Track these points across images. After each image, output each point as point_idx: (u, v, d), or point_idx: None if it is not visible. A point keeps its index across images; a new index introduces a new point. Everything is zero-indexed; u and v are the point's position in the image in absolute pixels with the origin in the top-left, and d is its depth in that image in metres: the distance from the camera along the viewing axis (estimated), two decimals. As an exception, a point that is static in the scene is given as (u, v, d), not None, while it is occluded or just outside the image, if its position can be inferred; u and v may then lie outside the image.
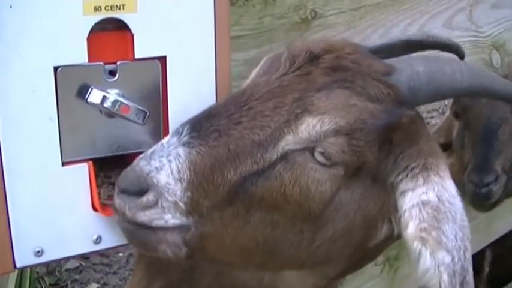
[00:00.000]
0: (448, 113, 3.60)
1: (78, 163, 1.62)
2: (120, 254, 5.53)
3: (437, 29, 2.76)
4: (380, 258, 2.65)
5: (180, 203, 1.47)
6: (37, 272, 5.10)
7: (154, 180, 1.46)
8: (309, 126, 1.50)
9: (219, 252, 1.57)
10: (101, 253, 5.45)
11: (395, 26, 2.58)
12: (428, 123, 7.69)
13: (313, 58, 1.59)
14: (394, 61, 1.65)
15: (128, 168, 1.50)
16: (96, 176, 1.64)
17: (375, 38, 2.48)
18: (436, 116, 8.01)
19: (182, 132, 1.51)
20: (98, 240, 1.68)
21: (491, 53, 3.08)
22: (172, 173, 1.47)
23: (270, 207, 1.52)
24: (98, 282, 5.27)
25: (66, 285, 5.21)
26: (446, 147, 3.22)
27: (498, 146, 2.82)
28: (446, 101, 8.03)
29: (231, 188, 1.49)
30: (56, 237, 1.62)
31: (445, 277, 1.47)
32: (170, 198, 1.47)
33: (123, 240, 1.65)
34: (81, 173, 1.62)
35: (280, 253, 1.58)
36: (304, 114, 1.51)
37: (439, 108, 8.17)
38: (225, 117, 1.52)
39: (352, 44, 1.69)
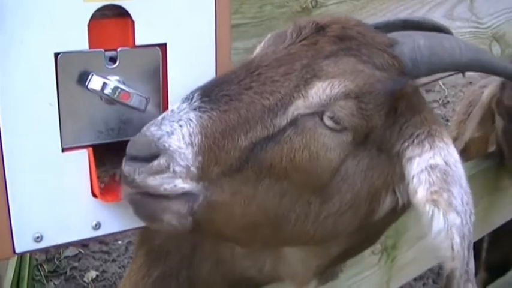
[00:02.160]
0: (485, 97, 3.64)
1: (78, 149, 1.61)
2: (119, 242, 5.54)
3: (437, 20, 2.73)
4: (378, 247, 2.64)
5: (192, 168, 1.48)
6: (36, 260, 5.11)
7: (166, 145, 1.46)
8: (319, 90, 1.53)
9: (225, 224, 1.58)
10: (100, 241, 5.47)
11: (395, 16, 2.57)
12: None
13: (320, 28, 1.63)
14: (396, 35, 1.70)
15: (138, 135, 1.51)
16: (96, 163, 1.64)
17: None
18: (436, 107, 8.02)
19: (193, 98, 1.53)
20: (97, 226, 1.67)
21: (491, 44, 3.08)
22: (183, 137, 1.47)
23: (279, 174, 1.53)
24: (96, 270, 5.29)
25: (65, 272, 5.22)
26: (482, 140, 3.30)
27: None
28: (446, 92, 8.10)
29: (241, 154, 1.51)
30: (55, 223, 1.62)
31: (457, 238, 1.50)
32: (182, 163, 1.47)
33: (122, 227, 1.68)
34: (81, 159, 1.62)
35: (287, 226, 1.60)
36: (314, 79, 1.54)
37: (440, 99, 8.19)
38: (235, 83, 1.54)
39: (356, 18, 1.73)
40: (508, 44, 3.15)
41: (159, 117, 1.51)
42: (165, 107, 1.69)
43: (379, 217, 1.69)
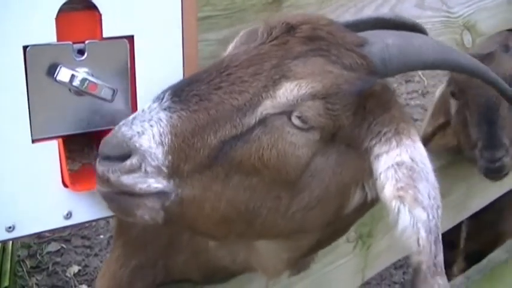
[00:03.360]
0: (438, 93, 3.69)
1: (48, 140, 1.63)
2: (101, 236, 5.55)
3: (408, 10, 2.76)
4: (353, 235, 2.66)
5: (162, 167, 1.50)
6: (18, 256, 5.11)
7: (137, 144, 1.49)
8: (287, 91, 1.55)
9: (197, 218, 1.60)
10: (83, 236, 5.47)
11: (366, 6, 2.58)
12: (407, 104, 7.77)
13: (290, 28, 1.64)
14: (366, 34, 1.71)
15: (109, 135, 1.52)
16: (66, 151, 1.66)
17: (346, 18, 2.46)
18: (415, 97, 8.06)
19: (163, 98, 1.54)
20: (69, 215, 1.69)
21: (462, 33, 3.09)
22: (154, 137, 1.49)
23: (248, 171, 1.56)
24: (79, 265, 5.30)
25: (48, 267, 5.23)
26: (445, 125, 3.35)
27: (501, 122, 3.03)
28: (426, 83, 8.14)
29: (210, 152, 1.53)
30: (27, 213, 1.64)
31: (423, 233, 1.52)
32: (153, 162, 1.49)
33: (94, 215, 1.70)
34: (51, 149, 1.64)
35: (258, 220, 1.62)
36: (282, 79, 1.56)
37: (419, 89, 8.22)
38: (205, 82, 1.56)
39: (327, 18, 1.74)
40: (479, 33, 3.16)
41: (130, 117, 1.53)
42: (133, 98, 1.71)
43: (349, 211, 1.71)
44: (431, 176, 1.59)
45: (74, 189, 1.66)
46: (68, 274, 5.18)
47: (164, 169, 1.51)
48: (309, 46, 1.61)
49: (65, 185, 1.67)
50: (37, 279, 5.12)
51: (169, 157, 1.50)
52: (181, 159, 1.51)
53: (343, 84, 1.57)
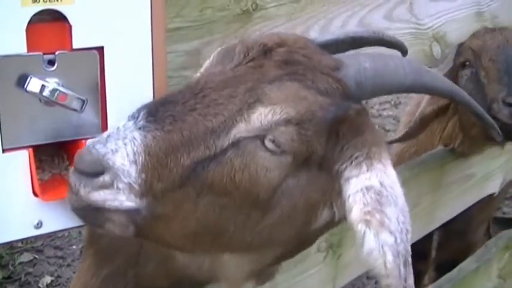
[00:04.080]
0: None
1: (18, 150, 1.64)
2: (74, 247, 5.52)
3: (377, 21, 2.77)
4: (323, 245, 2.66)
5: (134, 185, 1.51)
6: (-10, 266, 5.09)
7: (110, 162, 1.49)
8: (261, 115, 1.55)
9: (166, 234, 1.62)
10: (55, 246, 5.44)
11: (336, 17, 2.60)
12: (380, 115, 7.80)
13: (266, 51, 1.65)
14: (342, 56, 1.72)
15: (84, 151, 1.52)
16: (37, 161, 1.67)
17: (316, 29, 2.50)
18: (388, 108, 8.10)
19: (138, 117, 1.54)
20: (39, 225, 1.70)
21: (431, 45, 3.11)
22: (127, 155, 1.50)
23: (219, 191, 1.56)
24: (51, 275, 5.26)
25: (20, 278, 5.19)
26: (446, 108, 3.42)
27: None
28: (398, 94, 8.17)
29: (183, 172, 1.53)
30: (-3, 222, 1.62)
31: (390, 256, 1.53)
32: (125, 180, 1.50)
33: (64, 225, 1.71)
34: (22, 159, 1.65)
35: (225, 236, 1.63)
36: (257, 103, 1.57)
37: (391, 100, 8.27)
38: (180, 103, 1.57)
39: (304, 38, 1.76)
40: (447, 44, 3.19)
41: (105, 134, 1.54)
42: (103, 108, 1.72)
43: (316, 227, 1.72)
44: (401, 200, 1.61)
45: (44, 199, 1.66)
46: (40, 285, 5.14)
47: (136, 186, 1.51)
48: (284, 70, 1.62)
49: (35, 195, 1.67)
50: None
51: (143, 175, 1.51)
52: (154, 178, 1.52)
53: (317, 110, 1.58)
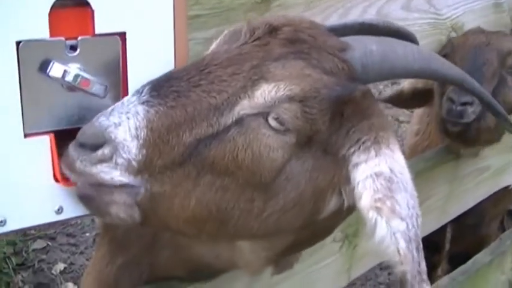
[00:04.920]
0: None
1: (40, 135, 1.63)
2: (87, 234, 5.53)
3: (395, 11, 2.77)
4: (339, 235, 2.67)
5: (133, 162, 1.52)
6: (4, 253, 5.09)
7: (112, 136, 1.50)
8: (265, 92, 1.55)
9: (169, 216, 1.60)
10: (68, 233, 5.45)
11: (354, 7, 2.60)
12: (393, 106, 7.76)
13: (272, 30, 1.64)
14: (349, 39, 1.70)
15: (87, 124, 1.54)
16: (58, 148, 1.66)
17: (335, 19, 2.50)
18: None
19: (142, 92, 1.55)
20: (60, 210, 1.69)
21: (450, 35, 3.11)
22: (130, 129, 1.51)
23: (221, 171, 1.56)
24: (64, 262, 5.28)
25: (33, 265, 5.21)
26: (423, 93, 3.37)
27: (480, 79, 2.90)
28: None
29: (185, 149, 1.54)
30: (18, 208, 1.64)
31: (402, 243, 1.52)
32: (124, 155, 1.51)
33: (84, 211, 1.69)
34: (43, 144, 1.64)
35: (231, 221, 1.62)
36: (261, 80, 1.56)
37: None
38: (185, 79, 1.57)
39: (310, 20, 1.75)
40: (466, 35, 3.18)
41: (110, 108, 1.54)
42: (125, 94, 1.71)
43: (325, 216, 1.71)
44: (410, 186, 1.60)
45: (65, 184, 1.65)
46: (53, 271, 5.16)
47: (134, 163, 1.52)
48: (289, 48, 1.62)
49: (57, 180, 1.66)
50: (22, 277, 5.10)
51: (143, 151, 1.51)
52: (155, 155, 1.52)
53: (322, 88, 1.57)
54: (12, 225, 1.65)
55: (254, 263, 1.96)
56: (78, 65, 1.63)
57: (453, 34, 3.11)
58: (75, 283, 5.08)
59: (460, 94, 2.87)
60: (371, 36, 1.76)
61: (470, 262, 3.72)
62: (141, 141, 1.51)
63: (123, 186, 1.53)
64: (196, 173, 1.55)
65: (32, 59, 1.57)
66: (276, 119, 1.55)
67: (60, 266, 5.23)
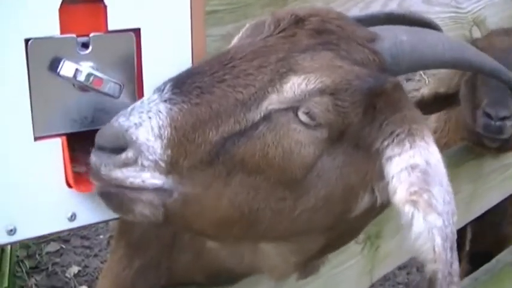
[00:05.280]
0: None
1: (51, 138, 1.59)
2: (101, 237, 5.53)
3: (417, 5, 2.77)
4: (361, 236, 2.64)
5: (160, 162, 1.46)
6: (17, 256, 5.09)
7: (133, 137, 1.45)
8: (294, 85, 1.50)
9: (197, 218, 1.56)
10: (82, 236, 5.45)
11: (375, 1, 2.58)
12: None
13: (298, 20, 1.60)
14: (377, 29, 1.67)
15: (106, 125, 1.48)
16: (70, 151, 1.61)
17: (355, 12, 2.46)
18: (416, 96, 8.02)
19: (164, 89, 1.50)
20: (73, 217, 1.65)
21: (471, 29, 3.09)
22: (152, 129, 1.45)
23: (251, 169, 1.51)
24: (79, 265, 5.26)
25: (47, 268, 5.20)
26: (445, 98, 3.27)
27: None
28: (427, 81, 8.10)
29: (212, 148, 1.49)
30: (29, 215, 1.59)
31: (439, 240, 1.47)
32: (150, 156, 1.46)
33: (99, 217, 1.66)
34: (55, 148, 1.59)
35: (262, 222, 1.58)
36: (289, 73, 1.52)
37: (419, 88, 8.17)
38: (208, 74, 1.52)
39: (336, 11, 1.70)
40: (488, 29, 3.16)
41: (129, 108, 1.49)
42: (140, 93, 1.67)
43: (356, 214, 1.67)
44: (445, 180, 1.54)
45: (79, 190, 1.61)
46: (67, 275, 5.16)
47: (162, 164, 1.47)
48: (317, 39, 1.57)
49: (69, 186, 1.62)
50: (36, 280, 5.09)
51: (168, 151, 1.46)
52: (181, 155, 1.47)
53: (354, 80, 1.53)
54: (22, 234, 1.59)
55: (280, 268, 1.91)
56: (90, 64, 1.58)
57: (475, 29, 3.07)
58: (89, 286, 5.07)
59: (498, 109, 2.80)
60: (400, 26, 1.73)
61: (493, 261, 3.70)
62: (165, 141, 1.46)
63: (153, 189, 1.49)
64: (226, 173, 1.51)
65: (41, 58, 1.52)
66: (307, 113, 1.51)
67: (74, 269, 5.22)
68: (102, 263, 5.25)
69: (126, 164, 1.46)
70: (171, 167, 1.47)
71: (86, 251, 5.42)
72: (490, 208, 3.53)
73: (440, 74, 3.67)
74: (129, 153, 1.45)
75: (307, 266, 1.99)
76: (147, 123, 1.45)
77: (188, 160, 1.48)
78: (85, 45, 1.58)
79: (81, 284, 5.11)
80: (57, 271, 5.20)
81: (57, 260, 5.30)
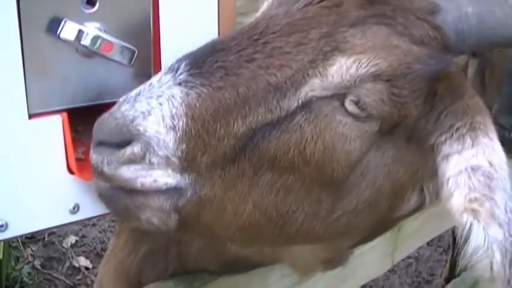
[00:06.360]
0: None
1: (49, 115, 1.45)
2: (100, 205, 5.45)
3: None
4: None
5: (172, 158, 1.32)
6: (13, 226, 5.00)
7: (140, 129, 1.30)
8: (342, 68, 1.32)
9: (218, 223, 1.43)
10: (80, 204, 5.37)
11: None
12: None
13: None
14: None
15: (106, 114, 1.34)
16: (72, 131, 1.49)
17: None
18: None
19: (178, 69, 1.34)
20: (75, 209, 1.52)
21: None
22: (163, 119, 1.31)
23: (283, 168, 1.36)
24: (76, 235, 5.17)
25: (43, 238, 5.11)
26: None
27: None
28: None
29: (236, 142, 1.34)
30: (23, 208, 1.46)
31: (498, 256, 1.33)
32: (160, 152, 1.31)
33: (105, 209, 1.50)
34: (54, 127, 1.45)
35: (292, 227, 1.45)
36: (335, 53, 1.33)
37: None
38: (234, 52, 1.35)
39: None
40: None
41: (134, 92, 1.34)
42: (157, 64, 1.54)
43: (400, 214, 1.56)
44: (509, 185, 1.38)
45: (82, 178, 1.48)
46: (64, 245, 5.08)
47: (175, 160, 1.32)
48: (369, 11, 1.38)
49: (71, 172, 1.49)
50: (32, 250, 5.00)
51: (183, 146, 1.32)
52: (199, 150, 1.33)
53: (414, 63, 1.35)
54: (16, 230, 1.46)
55: (307, 263, 1.80)
56: (97, 25, 1.44)
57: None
58: (87, 257, 5.00)
59: (510, 115, 2.66)
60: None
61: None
62: (179, 133, 1.31)
63: (166, 189, 1.35)
64: (252, 172, 1.36)
65: (37, 18, 1.38)
66: (356, 102, 1.34)
67: (72, 239, 5.07)
68: (100, 232, 5.20)
69: (131, 161, 1.32)
70: (187, 164, 1.33)
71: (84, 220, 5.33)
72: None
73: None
74: (136, 148, 1.30)
75: (336, 259, 1.87)
76: (157, 111, 1.30)
77: (207, 156, 1.33)
78: (91, 3, 1.43)
79: (78, 255, 5.02)
80: (54, 241, 5.10)
81: (54, 229, 5.20)
